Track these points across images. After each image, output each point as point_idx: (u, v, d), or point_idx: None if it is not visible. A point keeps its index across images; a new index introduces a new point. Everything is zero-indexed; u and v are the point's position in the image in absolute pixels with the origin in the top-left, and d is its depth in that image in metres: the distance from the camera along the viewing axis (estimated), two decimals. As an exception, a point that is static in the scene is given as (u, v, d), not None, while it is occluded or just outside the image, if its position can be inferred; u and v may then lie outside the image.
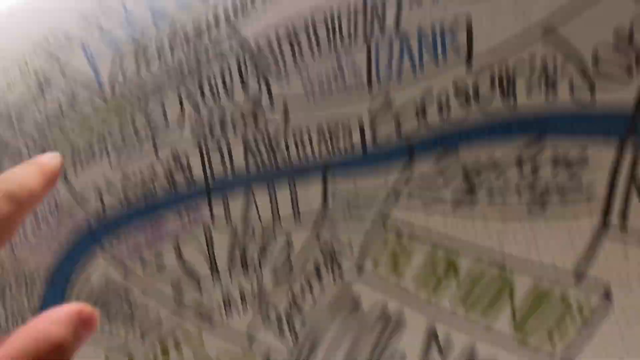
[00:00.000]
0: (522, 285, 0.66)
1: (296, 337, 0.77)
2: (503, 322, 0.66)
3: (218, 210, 0.87)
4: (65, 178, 1.01)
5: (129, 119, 0.96)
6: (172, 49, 0.95)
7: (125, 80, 1.00)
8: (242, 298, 0.82)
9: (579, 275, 0.63)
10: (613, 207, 0.62)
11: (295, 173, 0.82)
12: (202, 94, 0.91)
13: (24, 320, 1.00)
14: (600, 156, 0.63)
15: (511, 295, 0.66)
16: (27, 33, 1.15)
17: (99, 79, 1.02)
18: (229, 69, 0.90)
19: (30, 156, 1.06)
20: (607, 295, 0.61)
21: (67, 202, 1.00)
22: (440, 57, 0.75)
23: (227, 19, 0.92)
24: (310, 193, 0.80)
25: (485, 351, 0.66)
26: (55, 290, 0.96)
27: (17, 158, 1.07)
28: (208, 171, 0.89)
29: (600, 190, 0.63)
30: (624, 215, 0.61)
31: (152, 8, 0.98)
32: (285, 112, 0.84)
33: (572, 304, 0.63)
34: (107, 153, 0.97)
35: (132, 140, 0.96)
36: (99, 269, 0.93)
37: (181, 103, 0.93)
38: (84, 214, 0.96)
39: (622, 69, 0.61)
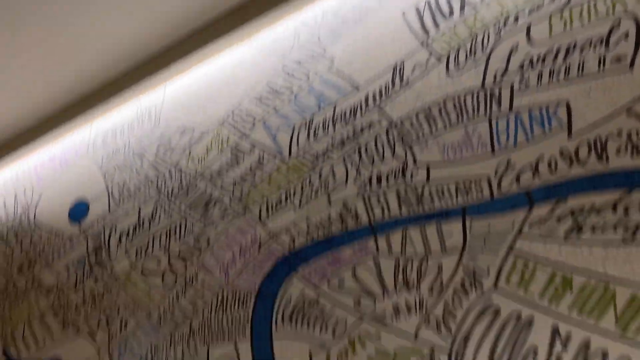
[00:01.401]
0: (621, 295, 0.92)
1: (451, 335, 1.08)
2: (609, 322, 0.92)
3: (381, 245, 1.19)
4: (261, 220, 1.38)
5: (307, 177, 1.31)
6: (334, 124, 1.29)
7: (299, 148, 1.35)
8: (407, 307, 1.14)
9: (664, 288, 0.88)
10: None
11: (439, 216, 1.12)
12: (360, 157, 1.24)
13: (236, 325, 1.38)
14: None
15: (614, 302, 0.93)
16: (215, 111, 1.54)
17: (277, 147, 1.38)
18: (380, 140, 1.21)
19: (231, 206, 1.45)
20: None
21: (265, 239, 1.37)
22: (547, 128, 1.02)
23: (375, 101, 1.24)
24: (453, 230, 1.10)
25: (596, 343, 0.93)
26: (265, 303, 1.34)
27: (221, 206, 1.46)
28: (371, 215, 1.21)
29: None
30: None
31: (316, 94, 1.32)
32: (427, 171, 1.15)
33: (661, 309, 0.88)
34: (292, 202, 1.33)
35: (309, 193, 1.30)
36: (296, 288, 1.29)
37: (345, 164, 1.26)
38: (280, 248, 1.33)
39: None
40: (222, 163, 1.49)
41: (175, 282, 1.52)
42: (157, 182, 1.62)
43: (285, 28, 1.46)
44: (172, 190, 1.58)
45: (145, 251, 1.61)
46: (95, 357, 1.67)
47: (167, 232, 1.57)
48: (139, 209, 1.64)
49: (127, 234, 1.66)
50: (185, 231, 1.53)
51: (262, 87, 1.46)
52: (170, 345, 1.50)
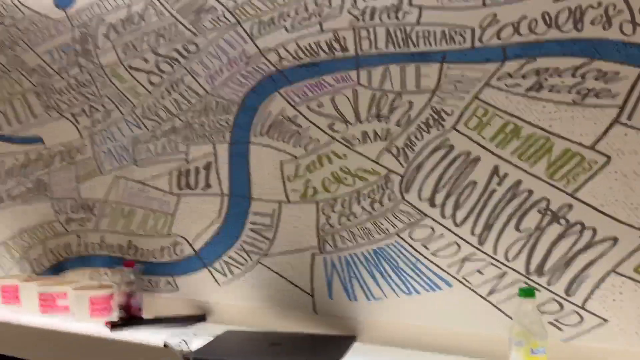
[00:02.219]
0: (557, 148, 1.08)
1: (409, 163, 1.24)
2: (541, 168, 1.09)
3: (362, 77, 1.29)
4: (252, 36, 1.43)
5: (303, 0, 1.35)
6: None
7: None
8: (375, 135, 1.28)
9: (592, 146, 1.04)
10: (627, 105, 1.01)
11: (420, 58, 1.22)
12: (358, -12, 1.28)
13: (215, 129, 1.51)
14: (629, 73, 1.00)
15: (550, 153, 1.09)
16: None
17: None
18: (381, -27, 1.25)
19: (225, 17, 1.48)
20: (608, 159, 1.03)
21: (253, 55, 1.43)
22: (537, -10, 1.08)
23: None
24: (431, 71, 1.21)
25: (525, 184, 1.11)
26: (246, 114, 1.45)
27: (214, 15, 1.49)
28: (359, 47, 1.29)
29: (622, 95, 1.02)
30: (632, 110, 1.01)
31: None
32: (420, 13, 1.21)
33: (586, 161, 1.05)
34: (284, 23, 1.38)
35: (304, 16, 1.35)
36: (277, 105, 1.40)
37: (342, -7, 1.30)
38: (267, 66, 1.41)
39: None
40: None
41: (162, 81, 1.60)
42: (150, -21, 1.61)
43: None
44: (165, -10, 1.59)
45: (133, 47, 1.65)
46: (77, 140, 1.79)
47: (156, 33, 1.61)
48: (129, 5, 1.65)
49: (115, 29, 1.68)
50: (174, 34, 1.57)
51: None
52: (151, 139, 1.62)
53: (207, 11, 1.51)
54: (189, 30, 1.55)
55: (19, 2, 1.90)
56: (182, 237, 1.57)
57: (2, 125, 1.97)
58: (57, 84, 1.82)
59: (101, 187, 1.73)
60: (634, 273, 1.03)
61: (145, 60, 1.63)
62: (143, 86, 1.63)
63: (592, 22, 1.05)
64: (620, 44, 1.03)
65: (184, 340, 1.27)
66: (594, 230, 1.06)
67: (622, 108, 1.03)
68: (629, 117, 1.02)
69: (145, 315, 1.52)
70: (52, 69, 1.83)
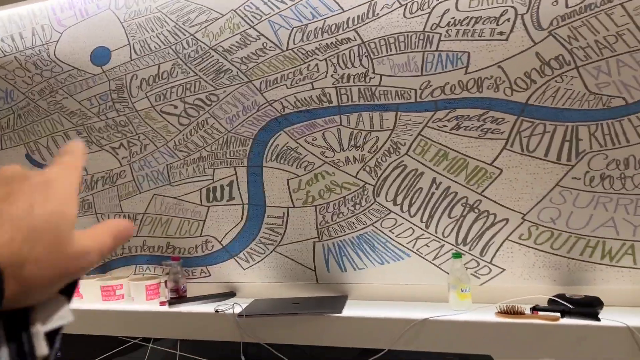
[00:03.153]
0: (471, 165, 1.74)
1: (378, 177, 1.86)
2: (462, 178, 1.75)
3: (343, 120, 1.90)
4: (261, 91, 2.01)
5: (298, 67, 1.94)
6: (322, 33, 1.90)
7: (295, 44, 1.95)
8: (354, 159, 1.89)
9: (491, 163, 1.71)
10: (510, 138, 1.68)
11: (382, 108, 1.84)
12: (338, 61, 1.89)
13: (231, 157, 2.07)
14: (510, 119, 1.67)
15: (466, 168, 1.74)
16: (230, 1, 2.05)
17: (278, 40, 1.98)
18: (353, 52, 1.86)
19: (238, 76, 2.05)
20: (500, 171, 1.70)
21: (263, 104, 2.01)
22: (454, 65, 1.74)
23: (353, 23, 1.86)
24: (390, 117, 1.84)
25: (452, 188, 1.76)
26: (258, 146, 2.03)
27: (230, 74, 2.06)
28: (340, 100, 1.90)
29: (507, 132, 1.69)
30: (513, 141, 1.68)
31: (311, 8, 1.90)
32: (380, 79, 1.84)
33: (488, 172, 1.71)
34: (285, 82, 1.97)
35: (299, 78, 1.95)
36: (282, 139, 1.99)
37: (327, 63, 1.91)
38: (273, 111, 1.99)
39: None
40: (233, 43, 2.06)
41: (189, 122, 2.15)
42: (176, 46, 2.16)
43: (292, -52, 1.96)
44: (189, 55, 2.13)
45: (164, 97, 2.19)
46: (117, 168, 2.30)
47: (183, 86, 2.15)
48: (159, 65, 2.18)
49: (148, 82, 2.21)
50: (199, 88, 2.13)
51: (270, -8, 2.00)
52: (183, 165, 2.17)
53: (225, 71, 2.08)
54: (210, 84, 2.11)
55: (57, 58, 2.38)
56: (212, 236, 2.13)
57: (46, 156, 2.44)
58: (96, 124, 2.32)
59: (141, 203, 2.25)
60: (519, 239, 1.70)
61: (175, 107, 2.17)
62: (174, 126, 2.17)
63: (488, 87, 1.71)
64: (504, 101, 1.70)
65: (231, 307, 1.85)
66: (495, 215, 1.73)
67: (507, 140, 1.70)
68: (511, 145, 1.70)
69: (189, 295, 2.07)
70: (91, 112, 2.33)
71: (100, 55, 2.31)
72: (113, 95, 2.29)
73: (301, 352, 1.77)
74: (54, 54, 2.39)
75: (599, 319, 1.44)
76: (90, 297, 2.18)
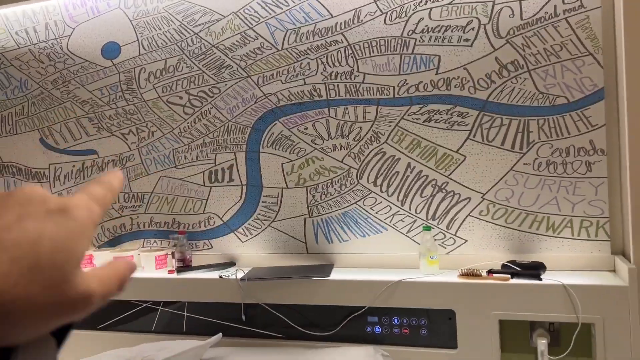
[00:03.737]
0: (440, 152, 2.04)
1: (361, 161, 2.15)
2: (432, 163, 2.05)
3: (331, 112, 2.18)
4: (258, 85, 2.28)
5: (292, 65, 2.22)
6: (313, 35, 2.17)
7: (289, 44, 2.22)
8: (340, 146, 2.18)
9: (457, 150, 2.01)
10: (473, 129, 1.99)
11: (365, 102, 2.13)
12: (327, 60, 2.17)
13: (230, 142, 2.34)
14: (473, 113, 1.98)
15: (436, 155, 2.04)
16: (231, 4, 2.31)
17: (274, 40, 2.24)
18: (340, 53, 2.14)
19: (238, 72, 2.31)
20: (465, 157, 2.01)
21: (260, 96, 2.28)
22: (427, 67, 2.03)
23: (341, 27, 2.14)
24: (372, 110, 2.12)
25: (424, 172, 2.06)
26: (256, 133, 2.30)
27: (231, 70, 2.32)
28: (329, 95, 2.18)
29: (470, 124, 1.99)
30: (475, 132, 1.99)
31: (304, 12, 2.18)
32: (364, 77, 2.12)
33: (454, 158, 2.02)
34: (280, 78, 2.24)
35: (293, 75, 2.22)
36: (277, 128, 2.27)
37: (317, 62, 2.18)
38: (269, 103, 2.27)
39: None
40: (233, 42, 2.32)
41: (193, 112, 2.41)
42: (181, 43, 2.41)
43: (287, -41, 2.22)
44: (193, 52, 2.39)
45: (170, 88, 2.44)
46: (126, 152, 2.55)
47: (188, 79, 2.41)
48: (166, 60, 2.43)
49: (155, 75, 2.46)
50: (202, 81, 2.38)
51: (268, -3, 2.26)
52: (187, 150, 2.43)
53: (226, 67, 2.34)
54: (212, 78, 2.37)
55: (70, 51, 2.61)
56: (214, 213, 2.41)
57: (59, 141, 2.68)
58: (107, 112, 2.56)
59: (148, 183, 2.51)
60: (479, 215, 2.01)
61: (180, 97, 2.43)
62: (179, 115, 2.43)
63: (455, 86, 2.01)
64: (468, 98, 2.00)
65: (234, 273, 2.13)
66: (460, 195, 2.04)
67: (470, 131, 2.01)
68: (474, 136, 2.00)
69: (194, 264, 2.35)
70: (102, 101, 2.57)
71: (111, 50, 2.55)
72: (122, 86, 2.53)
73: (293, 311, 2.07)
74: (67, 48, 2.62)
75: (540, 279, 1.77)
76: (103, 267, 2.44)
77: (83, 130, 2.63)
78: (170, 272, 2.29)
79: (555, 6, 1.90)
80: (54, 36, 2.64)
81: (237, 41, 2.32)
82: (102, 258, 2.44)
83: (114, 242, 2.61)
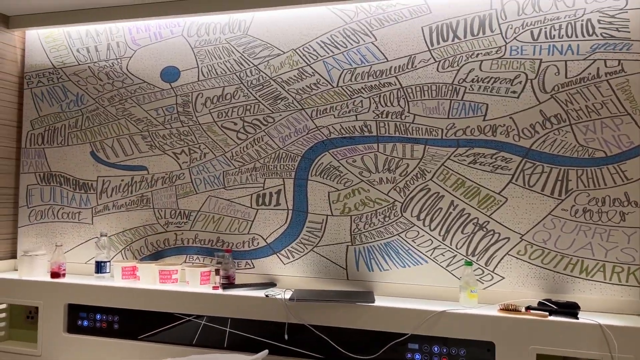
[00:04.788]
0: (483, 193, 2.19)
1: (405, 196, 2.30)
2: (475, 203, 2.20)
3: (380, 148, 2.34)
4: (311, 117, 2.43)
5: (345, 102, 2.37)
6: (368, 76, 2.35)
7: (344, 82, 2.39)
8: (386, 180, 2.33)
9: (499, 193, 2.17)
10: (515, 174, 2.15)
11: (413, 141, 2.28)
12: (379, 100, 2.33)
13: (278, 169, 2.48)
14: (516, 159, 2.14)
15: (479, 195, 2.19)
16: (292, 41, 2.48)
17: (330, 77, 2.41)
18: (393, 94, 2.31)
19: (293, 104, 2.47)
20: (506, 199, 2.16)
21: (312, 128, 2.43)
22: (475, 113, 2.20)
23: (395, 71, 2.31)
24: (419, 149, 2.28)
25: (467, 210, 2.21)
26: (305, 162, 2.44)
27: (286, 102, 2.47)
28: (379, 132, 2.33)
29: (514, 169, 2.15)
30: (517, 177, 2.14)
31: (360, 54, 2.35)
32: (414, 117, 2.28)
33: (496, 199, 2.17)
34: (333, 112, 2.39)
35: (345, 111, 2.38)
36: (327, 158, 2.41)
37: (370, 101, 2.35)
38: (321, 135, 2.42)
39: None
40: (291, 76, 2.48)
41: (247, 137, 2.55)
42: (240, 74, 2.57)
43: (354, 6, 2.40)
44: (251, 82, 2.54)
45: (225, 114, 2.59)
46: (177, 171, 2.68)
47: (244, 107, 2.56)
48: (223, 87, 2.59)
49: (212, 101, 2.61)
50: (257, 110, 2.53)
51: (327, 37, 2.43)
52: (238, 173, 2.57)
53: (282, 99, 2.49)
54: (268, 108, 2.52)
55: (129, 72, 2.76)
56: (258, 234, 2.53)
57: (110, 155, 2.80)
58: (161, 132, 2.70)
59: (196, 202, 2.63)
60: (517, 254, 2.15)
61: (234, 123, 2.58)
62: (232, 140, 2.57)
63: (501, 133, 2.18)
64: (513, 145, 2.16)
65: (280, 293, 2.24)
66: (499, 234, 2.18)
67: (513, 175, 2.16)
68: (516, 180, 2.16)
69: (237, 282, 2.46)
70: (157, 121, 2.71)
71: (170, 73, 2.70)
72: (179, 108, 2.68)
73: (336, 333, 2.17)
74: (126, 68, 2.77)
75: (577, 318, 1.90)
76: (147, 279, 2.54)
77: (135, 147, 2.75)
78: (214, 287, 2.40)
79: (598, 68, 2.09)
80: (114, 56, 2.80)
81: (294, 76, 2.48)
82: (145, 270, 2.54)
83: (156, 256, 2.71)
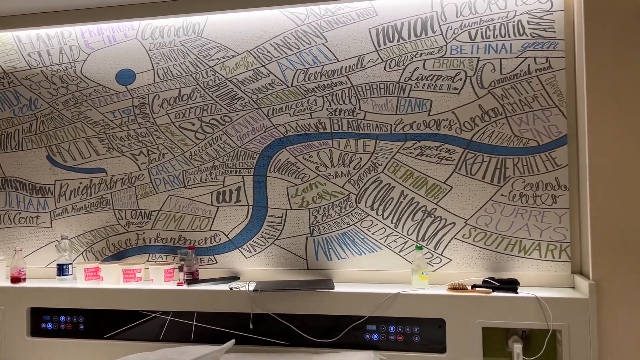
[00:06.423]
0: (430, 183, 2.36)
1: (359, 188, 2.44)
2: (423, 191, 2.37)
3: (334, 144, 2.47)
4: (268, 116, 2.54)
5: (300, 101, 2.50)
6: (320, 76, 2.47)
7: (298, 82, 2.51)
8: (341, 174, 2.46)
9: (445, 181, 2.35)
10: (459, 164, 2.33)
11: (365, 136, 2.43)
12: (332, 98, 2.46)
13: (239, 170, 2.57)
14: (459, 150, 2.32)
15: (426, 184, 2.37)
16: (246, 43, 2.58)
17: (284, 78, 2.52)
18: (344, 93, 2.45)
19: (249, 104, 2.57)
20: (451, 187, 2.34)
21: (269, 126, 2.54)
22: (420, 109, 2.37)
23: (345, 71, 2.45)
24: (371, 143, 2.43)
25: (416, 199, 2.37)
26: (264, 160, 2.55)
27: (242, 102, 2.57)
28: (332, 128, 2.47)
29: (457, 160, 2.33)
30: (460, 167, 2.33)
31: (313, 55, 2.47)
32: (365, 114, 2.43)
33: (442, 188, 2.35)
34: (288, 111, 2.51)
35: (300, 109, 2.50)
36: (284, 155, 2.52)
37: (323, 100, 2.48)
38: (277, 133, 2.53)
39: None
40: (246, 77, 2.58)
41: (205, 137, 2.63)
42: (196, 75, 2.64)
43: (304, 9, 2.52)
44: (207, 83, 2.62)
45: (183, 115, 2.65)
46: (136, 172, 2.72)
47: (201, 108, 2.63)
48: (180, 88, 2.65)
49: (169, 102, 2.67)
50: (214, 110, 2.62)
51: (280, 39, 2.54)
52: (197, 172, 2.64)
53: (238, 99, 2.59)
54: (225, 108, 2.61)
55: (83, 75, 2.78)
56: (220, 231, 2.62)
57: (67, 159, 2.81)
58: (118, 134, 2.74)
59: (157, 202, 2.69)
60: (462, 238, 2.34)
61: (192, 124, 2.65)
62: (191, 140, 2.65)
63: (444, 127, 2.35)
64: (455, 137, 2.35)
65: (244, 285, 2.34)
66: (446, 220, 2.36)
67: (456, 165, 2.35)
68: (459, 170, 2.34)
69: (201, 277, 2.54)
70: (114, 123, 2.74)
71: (125, 76, 2.74)
72: (136, 110, 2.72)
73: (299, 320, 2.30)
74: (81, 72, 2.79)
75: (517, 292, 2.10)
76: (111, 279, 2.59)
77: (93, 150, 2.78)
78: (179, 284, 2.48)
79: (529, 65, 2.30)
80: (68, 60, 2.81)
81: (249, 76, 2.58)
82: (109, 270, 2.59)
83: (118, 257, 2.75)
